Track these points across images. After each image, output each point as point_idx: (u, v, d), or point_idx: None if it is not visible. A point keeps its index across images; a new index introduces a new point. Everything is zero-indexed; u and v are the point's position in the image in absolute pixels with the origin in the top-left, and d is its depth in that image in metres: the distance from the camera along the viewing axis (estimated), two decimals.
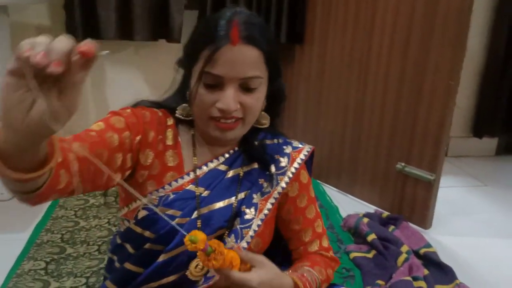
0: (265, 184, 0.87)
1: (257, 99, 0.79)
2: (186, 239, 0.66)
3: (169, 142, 0.83)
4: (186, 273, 0.80)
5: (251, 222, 0.84)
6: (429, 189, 1.59)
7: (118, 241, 0.84)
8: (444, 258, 1.40)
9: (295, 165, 0.88)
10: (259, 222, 0.85)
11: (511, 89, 2.31)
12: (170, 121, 0.85)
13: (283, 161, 0.88)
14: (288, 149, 0.90)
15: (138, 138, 0.77)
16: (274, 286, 0.75)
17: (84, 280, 1.27)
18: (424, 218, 1.62)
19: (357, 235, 1.51)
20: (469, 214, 1.79)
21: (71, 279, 1.27)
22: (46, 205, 1.67)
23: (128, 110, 0.79)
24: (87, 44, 0.45)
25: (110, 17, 1.83)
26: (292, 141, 0.92)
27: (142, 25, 1.87)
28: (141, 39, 1.87)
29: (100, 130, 0.73)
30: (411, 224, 1.61)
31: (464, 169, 2.27)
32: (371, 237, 1.45)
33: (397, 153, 1.67)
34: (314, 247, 0.91)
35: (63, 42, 0.45)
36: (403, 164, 1.65)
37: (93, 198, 1.74)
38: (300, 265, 0.86)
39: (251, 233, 0.84)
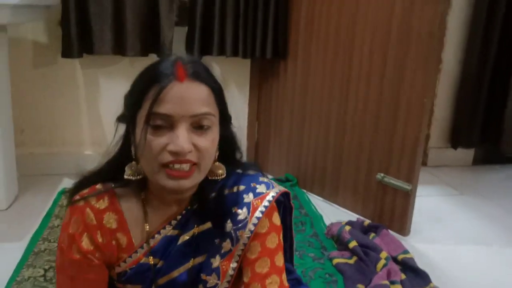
0: (223, 244, 0.81)
1: (211, 141, 0.74)
2: None
3: (113, 226, 0.79)
4: None
5: None
6: (407, 198, 1.69)
7: None
8: (421, 264, 1.50)
9: (257, 214, 0.80)
10: (226, 285, 0.81)
11: (486, 102, 2.44)
12: (105, 204, 0.79)
13: (242, 214, 0.80)
14: (249, 198, 0.82)
15: (96, 256, 0.78)
16: None
17: None
18: (402, 225, 1.72)
19: (340, 242, 1.61)
20: (445, 222, 1.90)
21: None
22: (42, 215, 1.74)
23: (63, 257, 0.79)
24: None
25: (104, 33, 1.91)
26: (258, 185, 0.83)
27: (135, 41, 1.95)
28: (133, 55, 1.96)
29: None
30: (391, 232, 1.71)
31: (442, 178, 2.39)
32: (353, 244, 1.54)
33: (376, 165, 1.77)
34: None
35: None
36: (382, 174, 1.75)
37: None
38: None
39: None
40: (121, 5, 1.90)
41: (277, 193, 0.84)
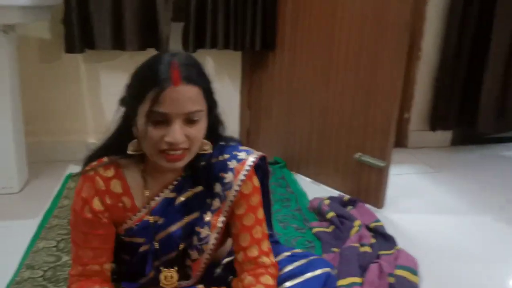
0: (213, 202, 1.00)
1: (200, 130, 0.91)
2: None
3: (118, 190, 0.96)
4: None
5: (207, 238, 1.00)
6: (381, 174, 1.87)
7: None
8: (393, 232, 1.66)
9: (241, 177, 0.99)
10: (215, 235, 1.01)
11: (463, 87, 2.60)
12: (111, 173, 0.96)
13: (228, 177, 0.99)
14: (232, 164, 1.00)
15: (105, 216, 0.96)
16: None
17: None
18: (377, 199, 1.90)
19: (320, 214, 1.79)
20: (419, 196, 2.08)
21: None
22: (52, 196, 1.92)
23: (77, 217, 0.96)
24: None
25: (104, 30, 2.07)
26: (239, 153, 1.02)
27: (133, 37, 2.11)
28: (132, 49, 2.12)
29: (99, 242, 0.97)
30: (367, 205, 1.89)
31: (421, 158, 2.57)
32: (330, 214, 1.72)
33: (354, 145, 1.95)
34: (254, 252, 1.01)
35: None
36: (359, 154, 1.93)
37: None
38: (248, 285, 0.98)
39: (210, 246, 1.01)
40: (120, 3, 2.05)
41: (256, 157, 1.03)
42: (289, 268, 1.07)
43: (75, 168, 2.17)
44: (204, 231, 1.00)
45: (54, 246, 1.56)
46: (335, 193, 2.05)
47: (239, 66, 2.46)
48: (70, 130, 2.33)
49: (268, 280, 0.99)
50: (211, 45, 2.21)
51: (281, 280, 1.05)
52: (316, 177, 2.17)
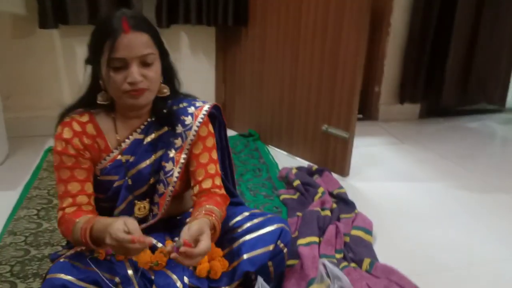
0: (176, 141, 1.15)
1: (155, 71, 1.06)
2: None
3: (93, 132, 1.10)
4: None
5: (172, 172, 1.15)
6: (346, 144, 1.98)
7: None
8: (356, 198, 1.78)
9: (199, 119, 1.16)
10: (178, 170, 1.15)
11: (429, 61, 2.71)
12: (86, 118, 1.10)
13: (188, 120, 1.15)
14: (191, 109, 1.17)
15: (86, 153, 1.10)
16: (211, 238, 1.01)
17: None
18: (343, 168, 2.02)
19: (287, 182, 1.90)
20: (383, 165, 2.21)
21: None
22: (32, 169, 1.99)
23: (61, 156, 1.08)
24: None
25: (78, 5, 2.11)
26: (196, 102, 1.19)
27: (108, 11, 2.15)
28: None
29: (81, 181, 1.10)
30: (333, 174, 2.01)
31: (389, 130, 2.69)
32: (296, 183, 1.84)
33: (321, 117, 2.05)
34: (208, 184, 1.16)
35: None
36: (326, 125, 2.04)
37: None
38: (205, 204, 1.11)
39: (174, 179, 1.15)
40: None
41: (210, 105, 1.20)
42: (248, 224, 1.18)
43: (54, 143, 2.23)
44: (168, 166, 1.15)
45: (35, 214, 1.65)
46: (305, 163, 2.16)
47: (213, 42, 2.52)
48: (48, 105, 2.38)
49: (218, 201, 1.14)
50: (185, 20, 2.26)
51: (241, 234, 1.17)
52: (287, 148, 2.28)
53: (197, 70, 2.53)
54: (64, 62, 2.34)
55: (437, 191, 1.98)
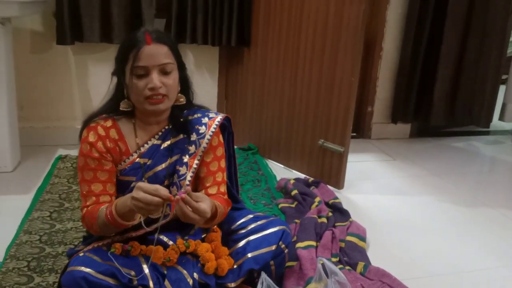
0: (190, 148, 1.26)
1: (173, 80, 1.19)
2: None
3: (115, 137, 1.22)
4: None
5: (185, 175, 1.25)
6: (341, 158, 2.12)
7: None
8: (350, 209, 1.89)
9: (212, 129, 1.28)
10: (191, 174, 1.26)
11: (419, 84, 2.88)
12: (109, 123, 1.22)
13: (202, 129, 1.27)
14: (205, 120, 1.29)
15: (108, 156, 1.21)
16: (212, 207, 1.12)
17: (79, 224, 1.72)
18: (338, 181, 2.15)
19: (285, 192, 2.02)
20: (375, 180, 2.34)
21: (70, 223, 1.72)
22: (43, 175, 2.10)
23: (86, 158, 1.20)
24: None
25: (93, 24, 2.26)
26: (210, 113, 1.31)
27: (119, 30, 2.30)
28: (118, 43, 2.29)
29: (104, 180, 1.21)
30: (328, 186, 2.14)
31: (381, 148, 2.83)
32: (294, 192, 1.96)
33: (318, 133, 2.19)
34: (214, 190, 1.28)
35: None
36: (322, 140, 2.17)
37: None
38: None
39: (186, 182, 1.25)
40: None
41: (222, 117, 1.32)
42: (252, 225, 1.30)
43: (64, 152, 2.35)
44: (182, 170, 1.26)
45: (48, 216, 1.75)
46: (302, 176, 2.28)
47: (216, 60, 2.68)
48: (60, 116, 2.50)
49: (222, 202, 1.24)
50: (191, 40, 2.42)
51: (246, 234, 1.28)
52: (285, 162, 2.41)
53: (201, 86, 2.66)
54: (76, 77, 2.48)
55: (426, 204, 2.11)
